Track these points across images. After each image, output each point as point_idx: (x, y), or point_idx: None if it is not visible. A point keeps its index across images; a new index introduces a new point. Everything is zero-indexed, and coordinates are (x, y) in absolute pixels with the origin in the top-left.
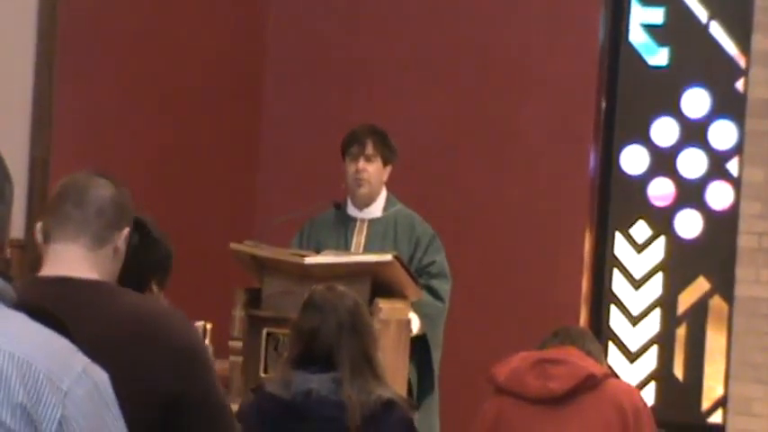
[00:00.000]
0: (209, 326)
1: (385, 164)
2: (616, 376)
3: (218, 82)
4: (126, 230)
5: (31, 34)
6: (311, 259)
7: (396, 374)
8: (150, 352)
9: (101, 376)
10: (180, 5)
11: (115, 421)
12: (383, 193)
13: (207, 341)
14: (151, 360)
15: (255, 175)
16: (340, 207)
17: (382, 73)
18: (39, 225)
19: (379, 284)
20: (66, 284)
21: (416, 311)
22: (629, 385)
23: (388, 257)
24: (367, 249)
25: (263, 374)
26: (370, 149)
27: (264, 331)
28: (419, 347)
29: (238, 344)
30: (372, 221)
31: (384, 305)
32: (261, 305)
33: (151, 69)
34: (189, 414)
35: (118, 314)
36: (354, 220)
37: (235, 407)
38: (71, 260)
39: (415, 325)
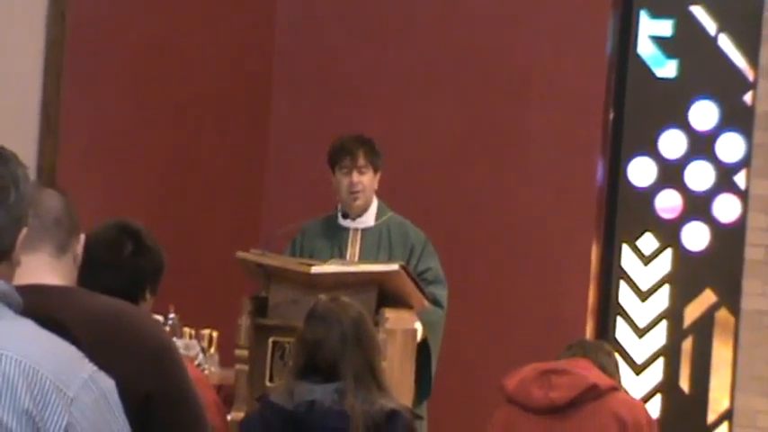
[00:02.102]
0: (215, 334)
1: (375, 172)
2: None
3: (225, 91)
4: (82, 237)
5: (39, 42)
6: (318, 268)
7: (402, 384)
8: (122, 352)
9: (107, 383)
10: (188, 16)
11: (121, 428)
12: (375, 202)
13: (213, 349)
14: (123, 361)
15: (262, 184)
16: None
17: (390, 83)
18: None
19: (385, 294)
20: (35, 291)
21: (418, 318)
22: (633, 399)
23: (395, 267)
24: (362, 259)
25: (268, 383)
26: (361, 161)
27: (270, 340)
28: (419, 354)
29: (244, 352)
30: (365, 231)
31: (390, 315)
32: (267, 314)
33: (158, 79)
34: (162, 412)
35: (89, 317)
36: (347, 230)
37: (240, 415)
38: (36, 268)
39: (419, 332)
